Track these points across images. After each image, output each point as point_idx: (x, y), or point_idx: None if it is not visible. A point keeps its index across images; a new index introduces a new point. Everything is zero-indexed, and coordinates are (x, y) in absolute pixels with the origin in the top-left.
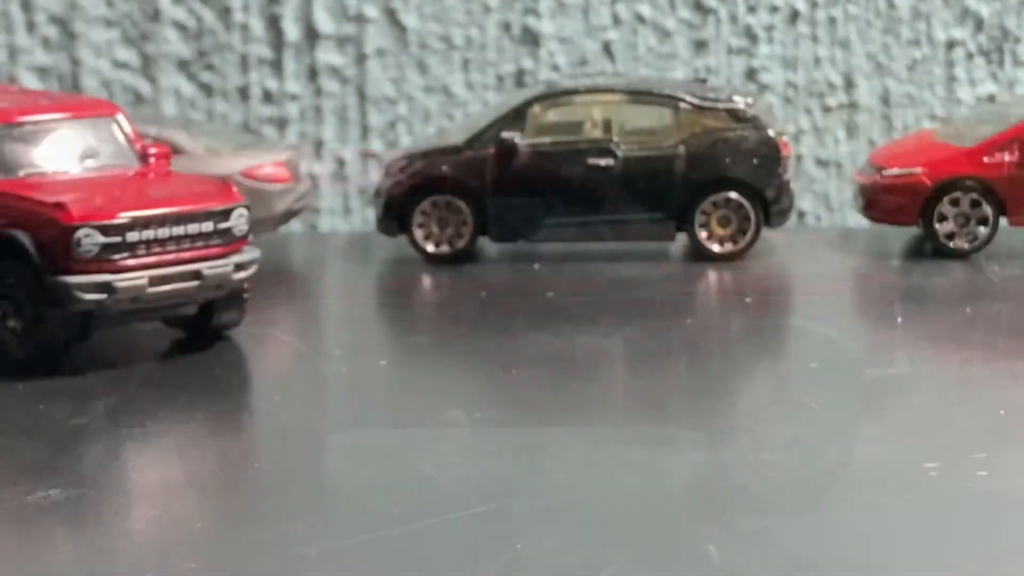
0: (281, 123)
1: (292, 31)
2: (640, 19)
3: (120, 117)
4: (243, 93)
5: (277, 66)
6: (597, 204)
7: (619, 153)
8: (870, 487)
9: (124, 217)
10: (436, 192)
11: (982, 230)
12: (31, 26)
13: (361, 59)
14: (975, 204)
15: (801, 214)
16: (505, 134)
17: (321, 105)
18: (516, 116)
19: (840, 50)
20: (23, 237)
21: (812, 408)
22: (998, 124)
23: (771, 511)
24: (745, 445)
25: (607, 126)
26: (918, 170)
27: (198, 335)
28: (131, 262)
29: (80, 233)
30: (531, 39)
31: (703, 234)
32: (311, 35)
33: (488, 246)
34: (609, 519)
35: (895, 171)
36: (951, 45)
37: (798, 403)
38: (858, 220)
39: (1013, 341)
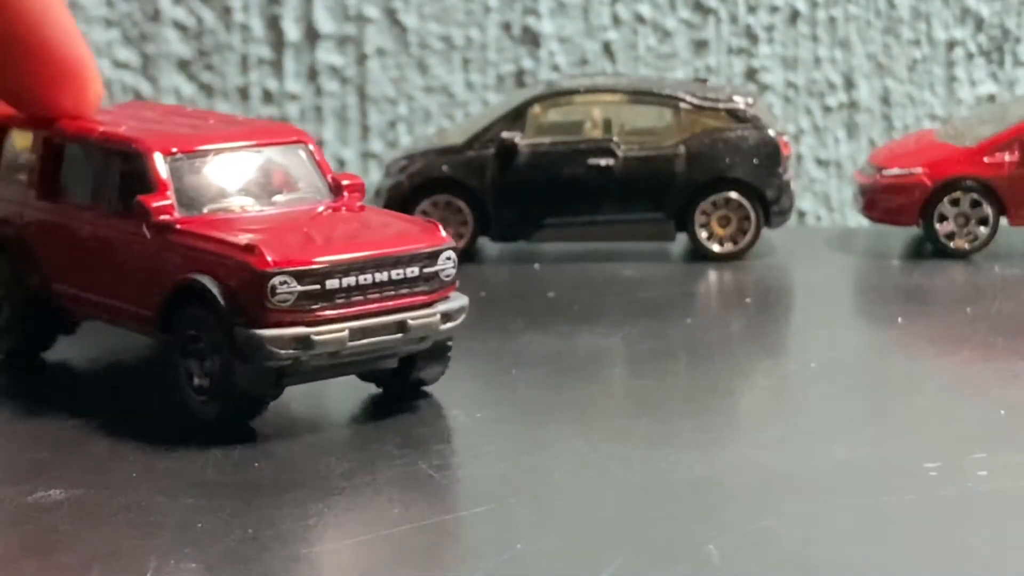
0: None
1: (292, 31)
2: (640, 19)
3: (310, 145)
4: (243, 93)
5: (277, 66)
6: (597, 204)
7: (619, 153)
8: (870, 487)
9: (323, 262)
10: (436, 192)
11: (982, 230)
12: None
13: (361, 59)
14: (975, 204)
15: (801, 214)
16: (505, 134)
17: (321, 105)
18: (516, 116)
19: (840, 50)
20: (209, 283)
21: (812, 408)
22: (998, 124)
23: (771, 511)
24: (745, 445)
25: (607, 126)
26: (918, 170)
27: (396, 391)
28: (330, 313)
29: (275, 280)
30: (531, 39)
31: (703, 234)
32: (311, 35)
33: (488, 246)
34: (609, 519)
35: (895, 171)
36: (951, 45)
37: (798, 403)
38: (858, 220)
39: (1013, 341)
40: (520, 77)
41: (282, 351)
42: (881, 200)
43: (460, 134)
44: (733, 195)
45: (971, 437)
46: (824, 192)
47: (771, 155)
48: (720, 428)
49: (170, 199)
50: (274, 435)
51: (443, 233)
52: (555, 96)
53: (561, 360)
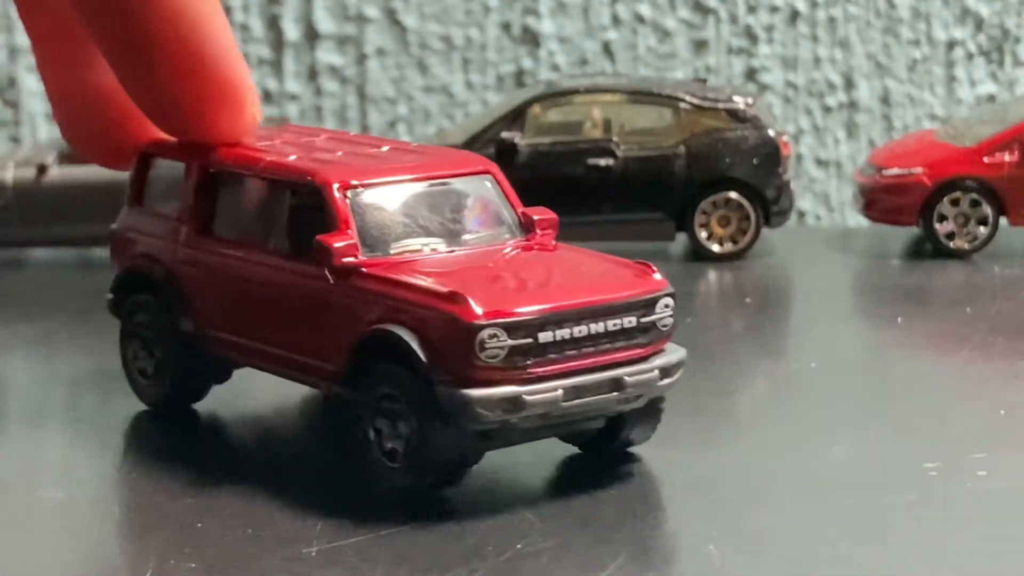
0: (281, 123)
1: (292, 31)
2: (640, 19)
3: (497, 175)
4: None
5: (277, 66)
6: (597, 204)
7: (619, 153)
8: (870, 487)
9: (535, 312)
10: None
11: (982, 230)
12: None
13: (361, 59)
14: (975, 204)
15: (801, 214)
16: (505, 134)
17: (321, 105)
18: (516, 116)
19: (840, 50)
20: (407, 336)
21: (812, 408)
22: (998, 124)
23: (771, 511)
24: (745, 445)
25: (607, 126)
26: (918, 170)
27: (600, 453)
28: (541, 370)
29: (485, 333)
30: (531, 39)
31: (703, 234)
32: (311, 35)
33: None
34: (609, 519)
35: (895, 171)
36: (951, 45)
37: (798, 403)
38: (858, 220)
39: (1013, 341)
40: (520, 77)
41: (490, 413)
42: (881, 200)
43: (460, 134)
44: (733, 195)
45: (971, 437)
46: (824, 192)
47: (771, 155)
48: (720, 428)
49: (353, 238)
50: (274, 436)
51: (659, 276)
52: (555, 96)
53: None
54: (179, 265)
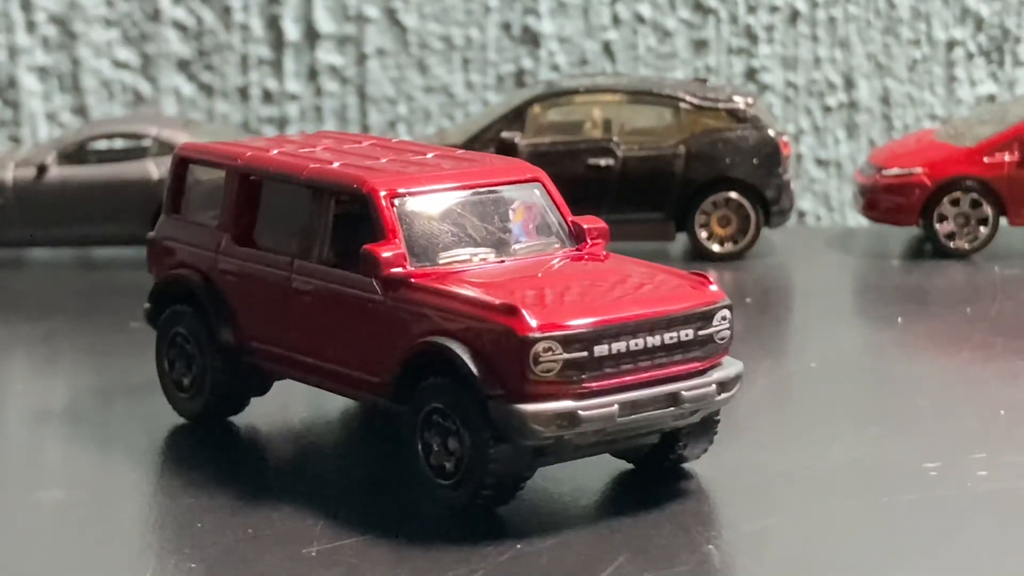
0: (281, 123)
1: (292, 31)
2: (640, 19)
3: (546, 183)
4: (243, 93)
5: (277, 66)
6: (597, 204)
7: (619, 153)
8: (870, 487)
9: (590, 324)
10: None
11: (982, 230)
12: (31, 26)
13: (361, 59)
14: (975, 204)
15: (801, 214)
16: (505, 134)
17: (321, 105)
18: (516, 116)
19: (840, 50)
20: (459, 349)
21: (812, 408)
22: (998, 124)
23: (771, 511)
24: (745, 445)
25: (607, 126)
26: (918, 170)
27: (652, 469)
28: (596, 384)
29: (539, 347)
30: (531, 39)
31: (703, 234)
32: (311, 35)
33: None
34: (609, 519)
35: (895, 171)
36: (951, 45)
37: (798, 403)
38: (858, 220)
39: (1013, 341)
40: (520, 77)
41: (544, 429)
42: (881, 200)
43: (460, 134)
44: (733, 195)
45: (971, 437)
46: (824, 192)
47: (771, 155)
48: (720, 428)
49: (401, 248)
50: (273, 436)
51: (715, 288)
52: (555, 96)
53: None
54: (219, 275)
